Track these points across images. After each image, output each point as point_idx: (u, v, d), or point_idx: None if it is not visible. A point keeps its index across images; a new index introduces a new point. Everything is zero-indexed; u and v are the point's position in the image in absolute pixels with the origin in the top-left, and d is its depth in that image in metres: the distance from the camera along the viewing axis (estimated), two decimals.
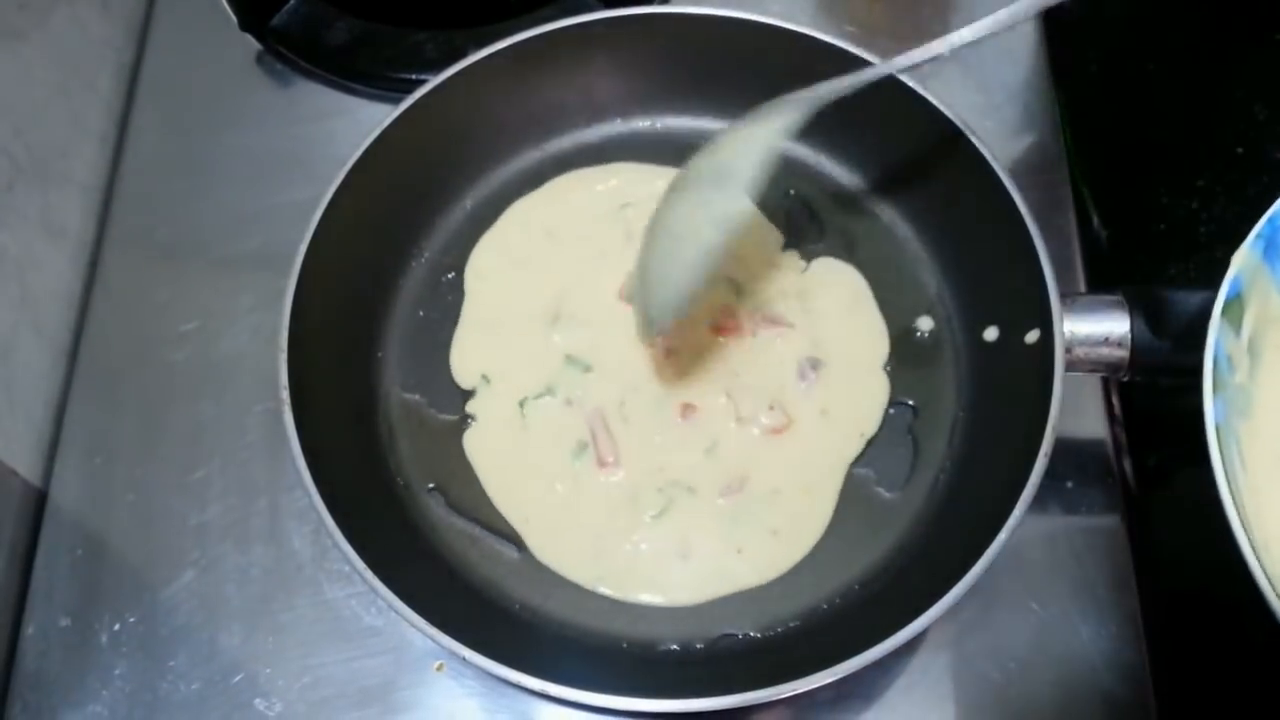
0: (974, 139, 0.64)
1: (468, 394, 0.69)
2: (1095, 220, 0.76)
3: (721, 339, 0.69)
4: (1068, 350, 0.58)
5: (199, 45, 0.85)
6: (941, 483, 0.65)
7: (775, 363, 0.68)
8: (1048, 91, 0.81)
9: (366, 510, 0.61)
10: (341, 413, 0.65)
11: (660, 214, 0.64)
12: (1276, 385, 0.55)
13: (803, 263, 0.72)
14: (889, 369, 0.68)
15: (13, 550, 0.68)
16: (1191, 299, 0.58)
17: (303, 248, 0.63)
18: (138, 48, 0.87)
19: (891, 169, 0.73)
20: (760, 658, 0.60)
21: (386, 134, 0.67)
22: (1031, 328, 0.61)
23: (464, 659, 0.52)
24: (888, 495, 0.65)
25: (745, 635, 0.61)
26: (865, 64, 0.67)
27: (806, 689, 0.51)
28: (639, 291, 0.65)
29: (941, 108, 0.66)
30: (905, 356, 0.69)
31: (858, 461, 0.66)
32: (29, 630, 0.65)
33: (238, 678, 0.63)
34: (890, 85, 0.67)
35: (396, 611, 0.53)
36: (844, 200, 0.74)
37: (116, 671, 0.64)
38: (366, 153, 0.67)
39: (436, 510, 0.65)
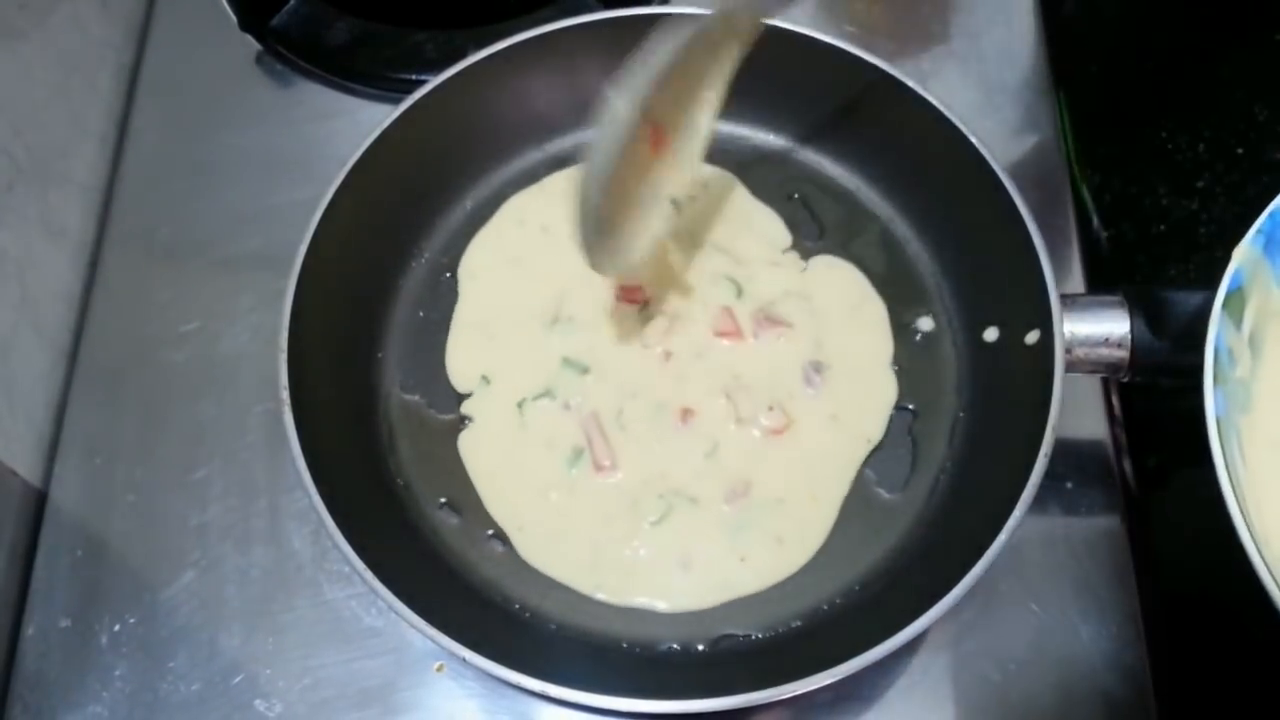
0: (974, 139, 0.64)
1: (466, 395, 0.68)
2: (1095, 221, 0.76)
3: (722, 342, 0.69)
4: (1068, 351, 0.58)
5: (199, 45, 0.85)
6: (942, 484, 0.65)
7: (777, 364, 0.68)
8: (1048, 92, 0.81)
9: (366, 511, 0.61)
10: (341, 413, 0.65)
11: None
12: (1277, 379, 0.55)
13: (802, 262, 0.72)
14: (894, 369, 0.68)
15: (13, 551, 0.68)
16: (1191, 299, 0.58)
17: (303, 248, 0.63)
18: (138, 48, 0.87)
19: (891, 169, 0.73)
20: (761, 658, 0.60)
21: (386, 134, 0.67)
22: (1031, 328, 0.61)
23: (464, 660, 0.52)
24: (888, 496, 0.65)
25: (746, 636, 0.61)
26: (865, 65, 0.67)
27: (807, 690, 0.51)
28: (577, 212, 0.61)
29: (941, 108, 0.66)
30: (905, 357, 0.69)
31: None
32: (29, 631, 0.65)
33: (238, 679, 0.63)
34: (890, 85, 0.67)
35: (396, 612, 0.53)
36: (844, 200, 0.74)
37: (116, 672, 0.64)
38: (366, 153, 0.67)
39: (436, 511, 0.65)
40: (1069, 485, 0.66)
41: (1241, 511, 0.48)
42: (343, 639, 0.64)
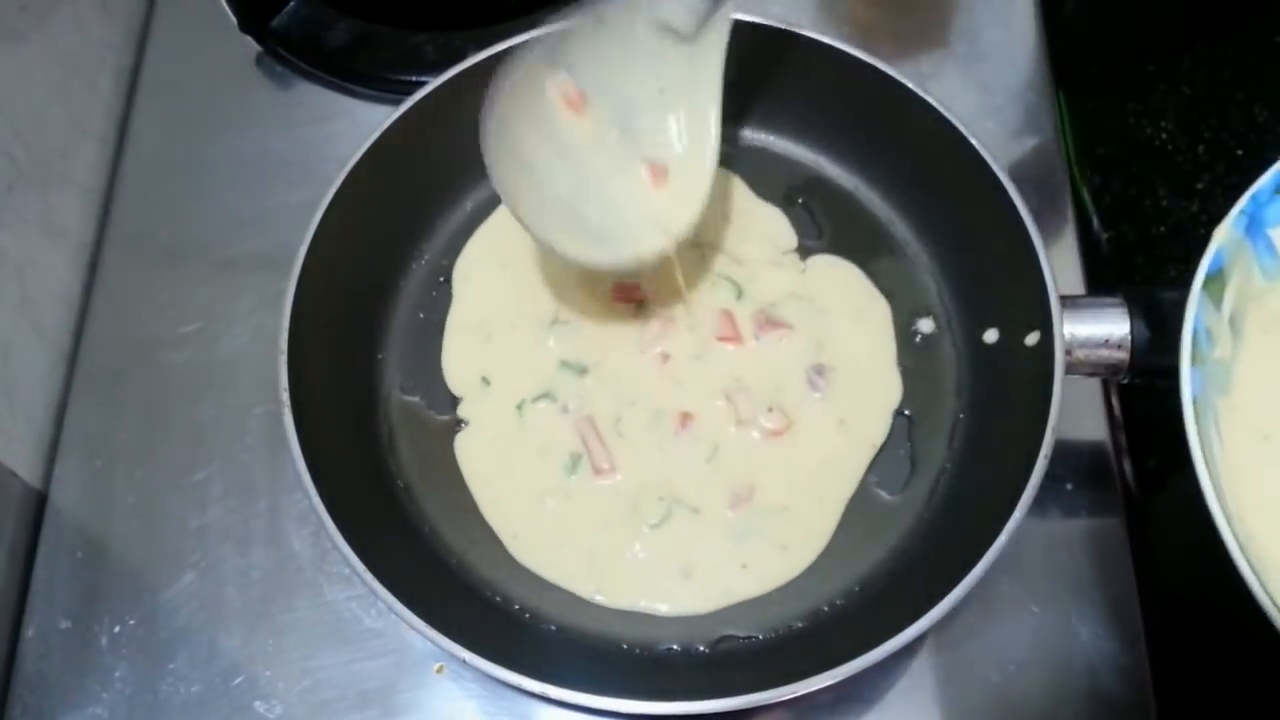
0: (974, 140, 0.64)
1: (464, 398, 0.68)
2: (1095, 222, 0.76)
3: (724, 345, 0.68)
4: (1067, 352, 0.58)
5: (199, 47, 0.85)
6: (942, 485, 0.65)
7: (778, 367, 0.68)
8: (1048, 93, 0.81)
9: (367, 512, 0.61)
10: (342, 415, 0.65)
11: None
12: (1258, 363, 0.55)
13: (802, 263, 0.72)
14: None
15: (13, 552, 0.68)
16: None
17: (303, 249, 0.63)
18: (138, 49, 0.87)
19: (891, 170, 0.73)
20: (761, 659, 0.60)
21: (386, 136, 0.67)
22: (1031, 330, 0.61)
23: (464, 661, 0.52)
24: (888, 498, 0.65)
25: (746, 637, 0.61)
26: (865, 66, 0.67)
27: (808, 691, 0.51)
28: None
29: (941, 109, 0.66)
30: (905, 358, 0.68)
31: None
32: (29, 632, 0.65)
33: (238, 680, 0.63)
34: (890, 86, 0.67)
35: (396, 614, 0.53)
36: (843, 201, 0.74)
37: (117, 674, 0.64)
38: (366, 154, 0.66)
39: (436, 512, 0.65)
40: (1069, 486, 0.66)
41: (1214, 488, 0.48)
42: (343, 640, 0.64)
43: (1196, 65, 0.83)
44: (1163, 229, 0.77)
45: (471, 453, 0.66)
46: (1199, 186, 0.76)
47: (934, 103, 0.66)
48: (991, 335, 0.66)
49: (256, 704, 0.63)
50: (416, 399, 0.68)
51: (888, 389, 0.67)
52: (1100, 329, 0.59)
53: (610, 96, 0.64)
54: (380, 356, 0.70)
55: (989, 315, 0.67)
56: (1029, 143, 0.78)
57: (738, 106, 0.76)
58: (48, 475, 0.70)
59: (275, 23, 0.83)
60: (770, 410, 0.66)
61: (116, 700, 0.63)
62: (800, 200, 0.74)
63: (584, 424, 0.66)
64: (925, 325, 0.69)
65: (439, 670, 0.63)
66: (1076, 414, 0.68)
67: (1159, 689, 0.61)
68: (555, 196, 0.64)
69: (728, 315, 0.69)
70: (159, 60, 0.86)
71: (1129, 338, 0.59)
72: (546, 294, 0.71)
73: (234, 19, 0.81)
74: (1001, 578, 0.63)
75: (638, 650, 0.61)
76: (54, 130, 0.79)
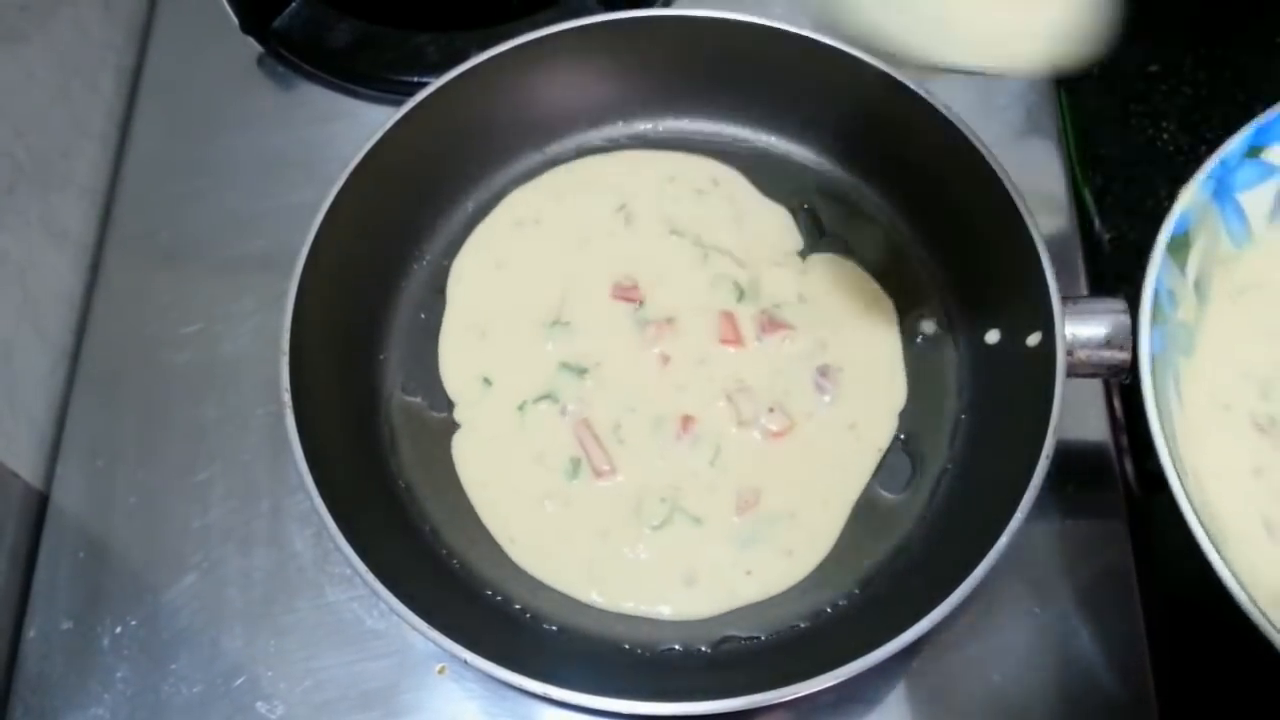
0: (976, 141, 0.64)
1: (465, 399, 0.68)
2: (1097, 223, 0.76)
3: (726, 349, 0.68)
4: (1069, 353, 0.58)
5: (200, 47, 0.85)
6: (943, 486, 0.65)
7: (782, 368, 0.68)
8: (1049, 94, 0.81)
9: (368, 513, 0.61)
10: (343, 415, 0.65)
11: None
12: (1224, 330, 0.55)
13: (804, 264, 0.72)
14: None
15: (14, 553, 0.68)
16: None
17: (304, 250, 0.63)
18: (139, 50, 0.87)
19: (892, 171, 0.73)
20: (763, 660, 0.60)
21: (388, 136, 0.67)
22: (1033, 330, 0.61)
23: (465, 661, 0.52)
24: (890, 498, 0.65)
25: (748, 638, 0.61)
26: (867, 66, 0.67)
27: (809, 692, 0.51)
28: None
29: (943, 110, 0.66)
30: (907, 359, 0.68)
31: None
32: (31, 633, 0.65)
33: (240, 680, 0.63)
34: (892, 87, 0.67)
35: (398, 614, 0.54)
36: (844, 201, 0.74)
37: (118, 674, 0.64)
38: (368, 155, 0.67)
39: (438, 512, 0.65)
40: (1070, 487, 0.66)
41: (1170, 452, 0.48)
42: (344, 641, 0.64)
43: (1197, 65, 0.83)
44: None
45: (469, 457, 0.66)
46: None
47: (936, 103, 0.66)
48: (993, 336, 0.66)
49: (258, 705, 0.63)
50: (418, 399, 0.69)
51: (895, 391, 0.67)
52: (1102, 329, 0.59)
53: None
54: (382, 357, 0.70)
55: (990, 316, 0.67)
56: (1031, 143, 0.78)
57: (738, 107, 0.76)
58: (49, 476, 0.70)
59: (277, 23, 0.83)
60: (771, 411, 0.66)
61: (118, 701, 0.63)
62: (802, 201, 0.74)
63: (581, 427, 0.66)
64: (927, 326, 0.69)
65: (441, 671, 0.63)
66: (1078, 415, 0.68)
67: (1159, 689, 0.61)
68: None
69: (728, 317, 0.69)
70: (161, 61, 0.86)
71: (1130, 338, 0.58)
72: (545, 295, 0.71)
73: (236, 20, 0.81)
74: (1003, 578, 0.63)
75: (639, 651, 0.61)
76: (55, 131, 0.79)
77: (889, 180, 0.74)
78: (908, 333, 0.69)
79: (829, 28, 0.57)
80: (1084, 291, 0.73)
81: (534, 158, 0.76)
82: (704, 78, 0.75)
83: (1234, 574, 0.46)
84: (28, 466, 0.70)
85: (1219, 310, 0.55)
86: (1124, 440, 0.69)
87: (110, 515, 0.69)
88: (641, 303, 0.70)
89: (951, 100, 0.66)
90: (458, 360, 0.69)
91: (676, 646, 0.61)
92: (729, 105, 0.76)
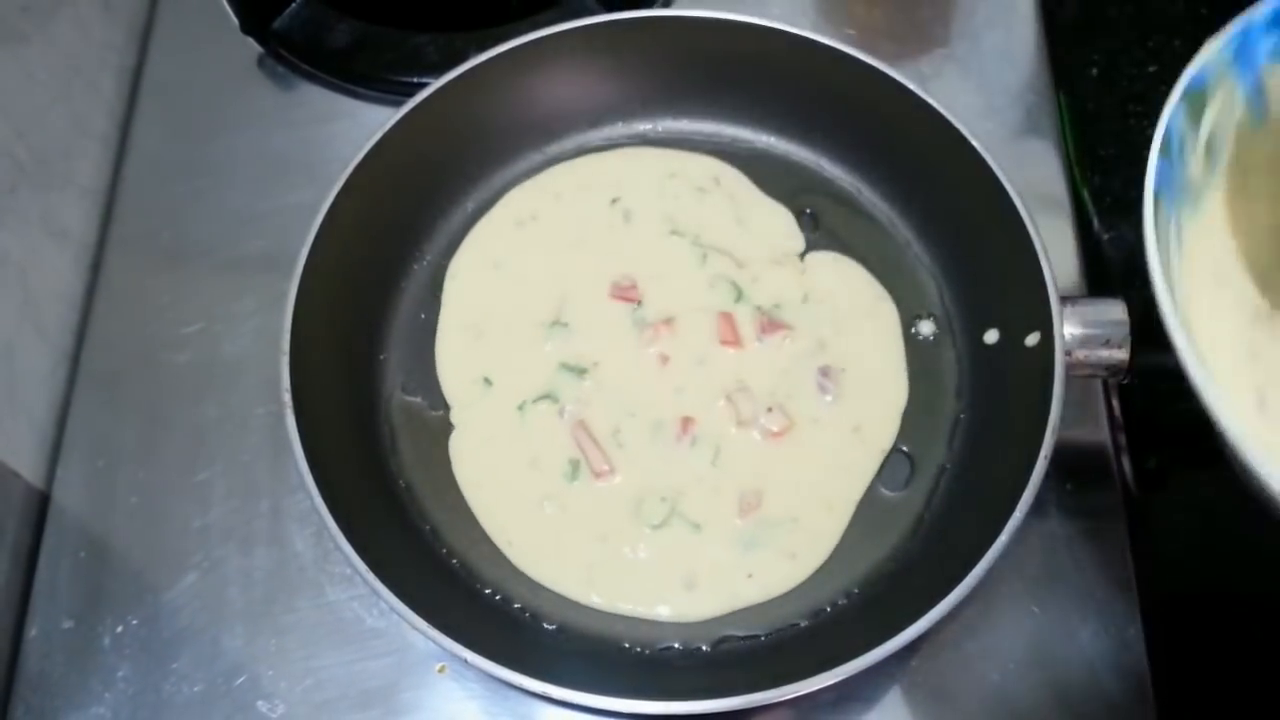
0: (974, 141, 0.65)
1: (463, 400, 0.68)
2: (1095, 223, 0.76)
3: (726, 349, 0.68)
4: (1068, 353, 0.58)
5: (201, 48, 0.86)
6: (942, 486, 0.65)
7: (782, 368, 0.68)
8: (1048, 94, 0.81)
9: (369, 512, 0.61)
10: (343, 415, 0.65)
11: None
12: (1232, 205, 0.54)
13: (803, 263, 0.72)
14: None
15: (16, 552, 0.68)
16: None
17: (305, 250, 0.63)
18: (140, 50, 0.87)
19: (891, 171, 0.73)
20: (762, 659, 0.60)
21: (388, 137, 0.68)
22: (1032, 330, 0.61)
23: (465, 661, 0.53)
24: (889, 498, 0.65)
25: (747, 637, 0.61)
26: (866, 67, 0.68)
27: (809, 691, 0.52)
28: None
29: (942, 110, 0.66)
30: (907, 359, 0.69)
31: None
32: (32, 632, 0.65)
33: (240, 680, 0.64)
34: (891, 88, 0.67)
35: (398, 613, 0.54)
36: (844, 202, 0.74)
37: (119, 674, 0.64)
38: (368, 155, 0.67)
39: (438, 512, 0.65)
40: (1069, 486, 0.66)
41: (1166, 281, 0.47)
42: (345, 640, 0.64)
43: None
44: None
45: (466, 459, 0.66)
46: None
47: (935, 104, 0.66)
48: (992, 336, 0.66)
49: (259, 703, 0.63)
50: (418, 399, 0.69)
51: (898, 391, 0.67)
52: (1100, 329, 0.59)
53: None
54: (382, 357, 0.70)
55: (989, 316, 0.67)
56: (1029, 144, 0.79)
57: (738, 108, 0.76)
58: (50, 476, 0.71)
59: (277, 24, 0.83)
60: (770, 411, 0.66)
61: (119, 700, 0.64)
62: (802, 201, 0.74)
63: (578, 428, 0.66)
64: (925, 326, 0.70)
65: (441, 670, 0.63)
66: (1077, 414, 0.68)
67: (1159, 689, 0.61)
68: None
69: (727, 318, 0.69)
70: (161, 61, 0.86)
71: (1129, 338, 0.59)
72: (543, 294, 0.71)
73: (236, 20, 0.81)
74: (1002, 578, 0.63)
75: (639, 649, 0.61)
76: (56, 131, 0.79)
77: (889, 180, 0.74)
78: (907, 333, 0.69)
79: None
80: (1082, 291, 0.73)
81: (534, 158, 0.76)
82: (704, 78, 0.75)
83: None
84: (29, 466, 0.70)
85: (1230, 183, 0.53)
86: (1122, 439, 0.69)
87: (111, 515, 0.69)
88: (640, 303, 0.70)
89: (951, 101, 0.66)
90: (453, 360, 0.69)
91: (676, 645, 0.61)
92: (729, 105, 0.76)
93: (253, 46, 0.84)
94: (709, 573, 0.62)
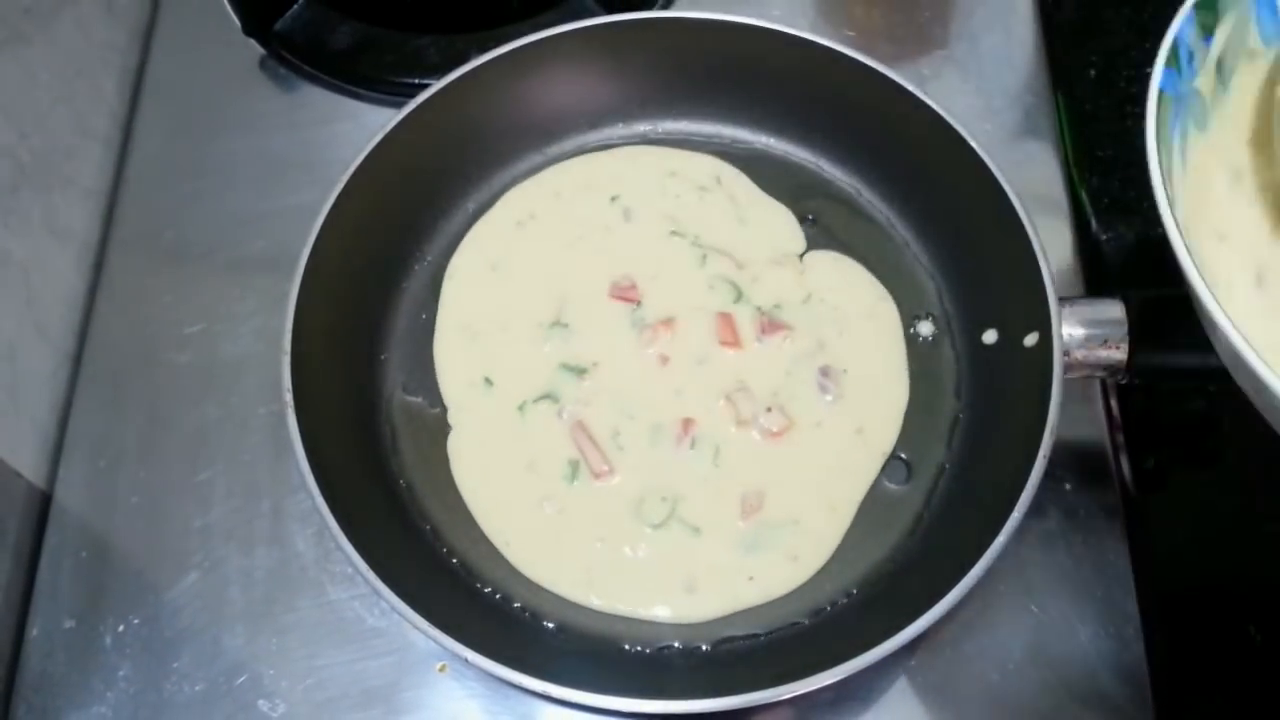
0: (973, 143, 0.65)
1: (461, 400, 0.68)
2: (1093, 223, 0.77)
3: (725, 350, 0.68)
4: (1066, 353, 0.59)
5: (203, 49, 0.86)
6: (941, 485, 0.65)
7: (783, 369, 0.68)
8: (1046, 95, 0.81)
9: (369, 512, 0.61)
10: (345, 415, 0.65)
11: None
12: (1238, 128, 0.52)
13: (802, 264, 0.72)
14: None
15: (18, 552, 0.68)
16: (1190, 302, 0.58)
17: (306, 251, 0.63)
18: (142, 52, 0.88)
19: (891, 172, 0.73)
20: (762, 658, 0.60)
21: (389, 138, 0.68)
22: (1030, 330, 0.61)
23: (466, 660, 0.53)
24: (889, 498, 0.65)
25: (747, 636, 0.61)
26: (865, 68, 0.68)
27: (808, 690, 0.52)
28: None
29: (941, 111, 0.66)
30: (906, 359, 0.69)
31: None
32: (33, 632, 0.66)
33: (241, 679, 0.64)
34: (890, 89, 0.68)
35: (399, 613, 0.54)
36: (844, 202, 0.74)
37: (121, 673, 0.64)
38: (370, 156, 0.67)
39: (438, 512, 0.65)
40: (1067, 486, 0.67)
41: (1165, 187, 0.46)
42: (346, 639, 0.64)
43: None
44: (1161, 230, 0.77)
45: (464, 460, 0.66)
46: None
47: (933, 105, 0.66)
48: (991, 336, 0.66)
49: (260, 703, 0.63)
50: (419, 399, 0.69)
51: (898, 392, 0.67)
52: (1099, 329, 0.59)
53: None
54: (383, 357, 0.70)
55: (988, 316, 0.67)
56: (1028, 145, 0.79)
57: (737, 109, 0.76)
58: (52, 475, 0.71)
59: (279, 25, 0.83)
60: (769, 411, 0.66)
61: (121, 699, 0.64)
62: (802, 201, 0.74)
63: (577, 429, 0.66)
64: (924, 326, 0.70)
65: (441, 669, 0.64)
66: (1075, 414, 0.68)
67: (1158, 689, 0.62)
68: None
69: (726, 319, 0.69)
70: (163, 62, 0.86)
71: (1127, 338, 0.59)
72: (543, 295, 0.71)
73: (238, 22, 0.82)
74: (1001, 577, 0.64)
75: (639, 649, 0.61)
76: (58, 132, 0.79)
77: (888, 181, 0.74)
78: (906, 333, 0.70)
79: None
80: (1081, 292, 0.73)
81: (534, 159, 0.77)
82: (704, 79, 0.75)
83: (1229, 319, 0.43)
84: (31, 466, 0.70)
85: (1238, 105, 0.52)
86: (1121, 439, 0.69)
87: (112, 514, 0.69)
88: (640, 303, 0.70)
89: (950, 102, 0.66)
90: (453, 361, 0.69)
91: (676, 644, 0.61)
92: (729, 106, 0.76)
93: (254, 48, 0.84)
94: (710, 575, 0.62)
